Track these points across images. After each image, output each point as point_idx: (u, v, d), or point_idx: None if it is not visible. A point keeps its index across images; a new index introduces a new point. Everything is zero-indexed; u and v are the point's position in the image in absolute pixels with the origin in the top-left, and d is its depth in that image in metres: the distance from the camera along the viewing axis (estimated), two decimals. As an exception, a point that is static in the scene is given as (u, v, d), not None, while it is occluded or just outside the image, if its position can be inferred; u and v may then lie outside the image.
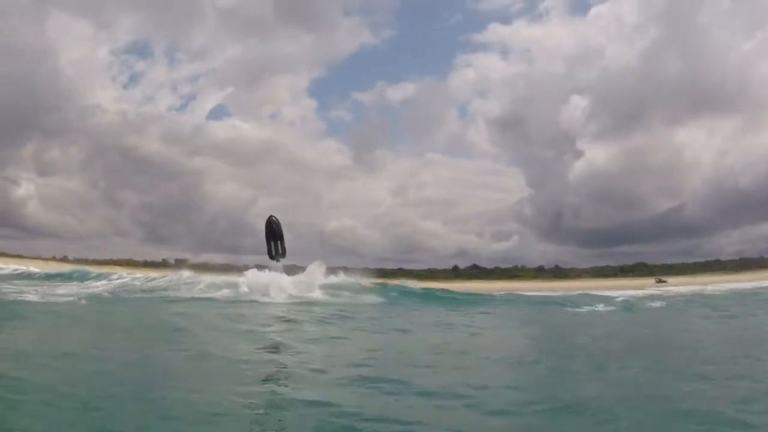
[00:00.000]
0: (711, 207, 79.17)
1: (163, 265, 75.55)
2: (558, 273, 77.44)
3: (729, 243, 79.77)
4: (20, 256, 66.08)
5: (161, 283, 24.16)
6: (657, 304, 24.03)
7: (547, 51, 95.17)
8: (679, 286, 47.58)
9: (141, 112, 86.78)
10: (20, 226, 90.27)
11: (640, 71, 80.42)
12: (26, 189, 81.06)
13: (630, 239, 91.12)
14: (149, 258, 78.58)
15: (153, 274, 33.65)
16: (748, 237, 76.08)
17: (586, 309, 21.63)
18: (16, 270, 38.87)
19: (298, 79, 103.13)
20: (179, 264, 77.57)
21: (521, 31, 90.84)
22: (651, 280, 63.32)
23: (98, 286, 23.27)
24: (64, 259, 70.85)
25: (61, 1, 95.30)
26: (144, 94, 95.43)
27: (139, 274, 31.46)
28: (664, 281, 62.44)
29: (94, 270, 35.57)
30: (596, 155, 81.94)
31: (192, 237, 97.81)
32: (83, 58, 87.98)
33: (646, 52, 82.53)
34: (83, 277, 26.81)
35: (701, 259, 75.18)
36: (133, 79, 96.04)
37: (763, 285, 39.47)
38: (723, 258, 73.77)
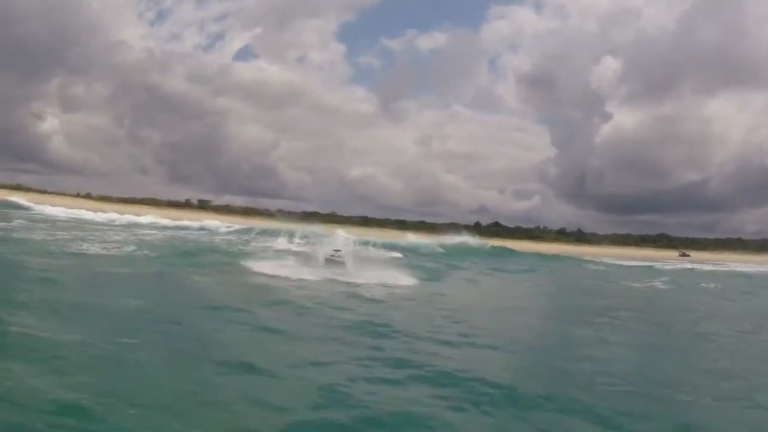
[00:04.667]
0: (736, 183, 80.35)
1: (186, 205, 77.43)
2: (580, 237, 77.74)
3: (752, 221, 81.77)
4: (45, 192, 65.50)
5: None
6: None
7: (583, 8, 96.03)
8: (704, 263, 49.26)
9: (167, 50, 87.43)
10: (44, 161, 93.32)
11: (675, 36, 79.35)
12: (51, 124, 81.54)
13: (652, 209, 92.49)
14: (172, 197, 79.74)
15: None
16: (769, 217, 77.31)
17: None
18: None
19: (327, 22, 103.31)
20: (202, 205, 78.76)
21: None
22: (674, 253, 64.84)
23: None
24: (88, 196, 70.60)
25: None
26: (171, 32, 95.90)
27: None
28: (688, 255, 63.59)
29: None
30: (624, 120, 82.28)
31: (214, 178, 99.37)
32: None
33: (684, 17, 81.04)
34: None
35: (722, 236, 77.76)
36: (160, 16, 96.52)
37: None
38: (744, 236, 76.12)
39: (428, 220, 79.98)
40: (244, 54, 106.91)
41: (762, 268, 41.55)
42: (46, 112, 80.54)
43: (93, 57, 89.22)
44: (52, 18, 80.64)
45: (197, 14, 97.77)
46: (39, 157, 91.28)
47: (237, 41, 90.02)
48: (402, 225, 74.02)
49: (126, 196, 73.55)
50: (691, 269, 38.80)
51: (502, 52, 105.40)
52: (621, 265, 39.62)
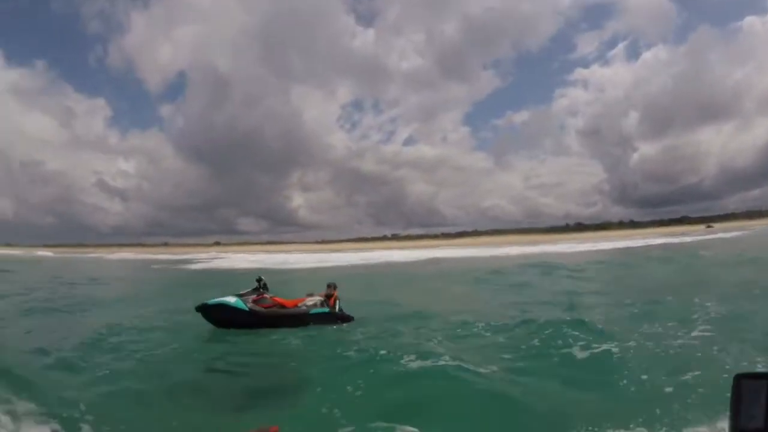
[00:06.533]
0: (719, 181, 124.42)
1: (383, 238, 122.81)
2: (634, 224, 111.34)
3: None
4: (300, 242, 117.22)
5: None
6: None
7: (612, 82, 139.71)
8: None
9: (361, 146, 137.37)
10: (297, 224, 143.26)
11: (672, 92, 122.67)
12: (297, 201, 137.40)
13: (671, 202, 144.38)
14: (376, 235, 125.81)
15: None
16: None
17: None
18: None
19: (456, 114, 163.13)
20: (395, 237, 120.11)
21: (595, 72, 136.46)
22: (702, 226, 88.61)
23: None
24: (323, 242, 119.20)
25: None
26: (361, 134, 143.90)
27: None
28: (712, 226, 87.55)
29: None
30: (646, 149, 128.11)
31: (401, 219, 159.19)
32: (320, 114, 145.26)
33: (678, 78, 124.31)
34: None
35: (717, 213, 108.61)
36: (353, 125, 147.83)
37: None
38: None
39: (535, 227, 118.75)
40: (409, 141, 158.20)
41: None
42: (293, 194, 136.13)
43: (315, 156, 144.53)
44: (288, 136, 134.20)
45: (376, 121, 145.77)
46: (293, 222, 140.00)
47: (403, 134, 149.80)
48: (520, 231, 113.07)
49: (346, 238, 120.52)
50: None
51: (566, 117, 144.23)
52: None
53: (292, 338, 9.62)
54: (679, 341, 7.68)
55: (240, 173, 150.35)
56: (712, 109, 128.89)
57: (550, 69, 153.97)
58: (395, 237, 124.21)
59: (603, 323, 8.88)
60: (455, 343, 8.25)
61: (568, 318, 9.22)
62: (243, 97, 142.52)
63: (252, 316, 10.65)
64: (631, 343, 7.53)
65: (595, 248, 45.12)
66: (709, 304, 10.39)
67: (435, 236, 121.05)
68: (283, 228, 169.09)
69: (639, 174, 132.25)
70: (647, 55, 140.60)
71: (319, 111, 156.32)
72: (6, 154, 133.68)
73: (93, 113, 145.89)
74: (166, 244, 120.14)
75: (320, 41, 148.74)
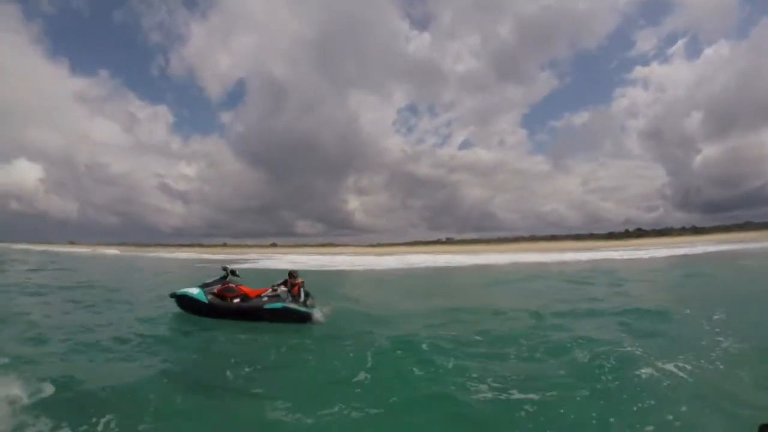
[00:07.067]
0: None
1: (436, 242, 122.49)
2: (696, 230, 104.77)
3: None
4: (355, 245, 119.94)
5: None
6: None
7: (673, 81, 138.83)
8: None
9: (416, 149, 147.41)
10: (352, 227, 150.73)
11: (736, 90, 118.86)
12: (353, 204, 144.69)
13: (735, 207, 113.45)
14: (430, 239, 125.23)
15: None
16: None
17: None
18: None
19: (513, 116, 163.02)
20: (449, 241, 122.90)
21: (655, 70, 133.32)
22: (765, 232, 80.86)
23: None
24: (377, 245, 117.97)
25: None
26: (417, 138, 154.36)
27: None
28: None
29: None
30: (709, 151, 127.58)
31: (455, 223, 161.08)
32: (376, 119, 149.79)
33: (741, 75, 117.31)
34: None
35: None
36: (409, 129, 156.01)
37: None
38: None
39: (595, 232, 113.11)
40: (465, 144, 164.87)
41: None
42: (349, 198, 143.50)
43: (371, 160, 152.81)
44: (344, 140, 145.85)
45: (432, 124, 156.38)
46: (349, 225, 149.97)
47: (459, 137, 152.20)
48: (577, 237, 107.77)
49: (401, 241, 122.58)
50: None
51: (627, 118, 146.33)
52: None
53: (239, 336, 9.66)
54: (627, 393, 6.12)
55: (297, 177, 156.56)
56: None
57: (608, 68, 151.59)
58: (449, 241, 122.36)
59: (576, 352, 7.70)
60: (376, 364, 7.37)
61: (528, 341, 8.40)
62: (300, 103, 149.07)
63: (210, 307, 11.09)
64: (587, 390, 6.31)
65: (648, 256, 41.90)
66: (721, 337, 8.52)
67: (489, 241, 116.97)
68: (338, 231, 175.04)
69: (702, 177, 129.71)
70: (708, 52, 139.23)
71: (375, 115, 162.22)
72: (72, 157, 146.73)
73: (155, 119, 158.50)
74: (224, 245, 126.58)
75: (375, 47, 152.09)
